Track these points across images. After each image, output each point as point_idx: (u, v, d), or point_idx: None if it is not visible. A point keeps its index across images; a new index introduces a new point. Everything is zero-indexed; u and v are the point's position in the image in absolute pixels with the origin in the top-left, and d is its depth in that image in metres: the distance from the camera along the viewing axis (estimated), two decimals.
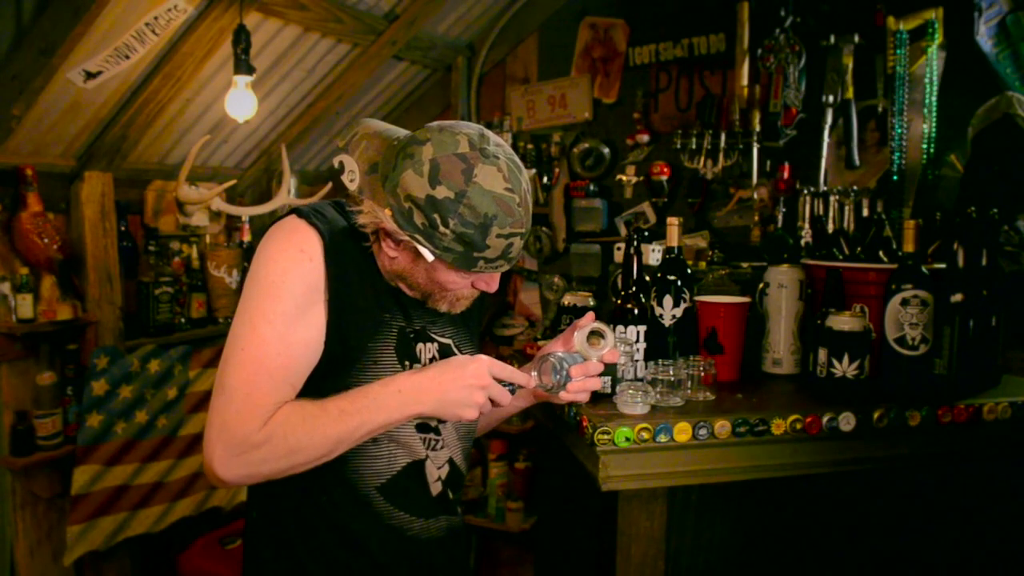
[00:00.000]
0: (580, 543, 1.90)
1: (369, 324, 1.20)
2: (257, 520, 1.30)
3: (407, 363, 1.23)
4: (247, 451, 1.07)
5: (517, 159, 1.15)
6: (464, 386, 1.16)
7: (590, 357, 1.30)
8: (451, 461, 1.31)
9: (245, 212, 3.21)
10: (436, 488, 1.28)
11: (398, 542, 1.25)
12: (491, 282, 1.22)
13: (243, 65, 2.45)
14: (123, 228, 2.81)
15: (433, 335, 1.29)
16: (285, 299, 1.12)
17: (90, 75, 2.33)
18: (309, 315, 1.14)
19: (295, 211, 1.19)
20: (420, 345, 1.26)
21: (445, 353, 1.28)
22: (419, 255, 1.14)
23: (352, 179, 1.17)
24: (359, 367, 1.18)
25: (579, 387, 1.27)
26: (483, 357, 1.19)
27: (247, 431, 1.07)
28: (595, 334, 1.32)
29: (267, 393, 1.10)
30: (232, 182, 3.09)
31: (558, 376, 1.26)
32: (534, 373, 1.28)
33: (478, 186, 1.08)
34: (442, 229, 1.09)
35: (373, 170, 1.16)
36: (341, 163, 1.18)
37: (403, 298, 1.25)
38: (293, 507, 1.24)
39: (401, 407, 1.14)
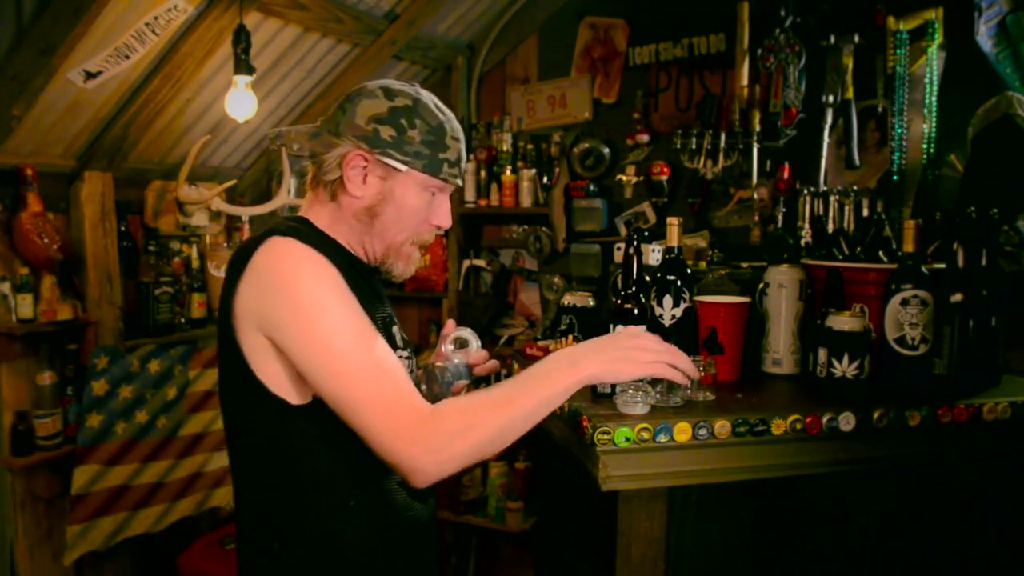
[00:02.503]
0: (580, 543, 1.90)
1: (375, 322, 1.23)
2: (250, 530, 1.27)
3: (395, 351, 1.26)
4: (425, 422, 1.07)
5: None
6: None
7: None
8: None
9: (245, 212, 3.20)
10: None
11: (412, 531, 1.28)
12: (444, 214, 1.29)
13: (243, 65, 2.45)
14: (123, 228, 2.81)
15: (394, 317, 1.35)
16: (333, 309, 1.13)
17: (90, 75, 2.32)
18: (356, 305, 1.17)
19: (273, 231, 1.17)
20: (394, 328, 1.32)
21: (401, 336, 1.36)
22: (388, 177, 1.22)
23: (300, 149, 1.26)
24: None
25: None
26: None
27: (414, 404, 1.09)
28: (460, 341, 1.35)
29: (402, 380, 1.12)
30: (232, 182, 3.08)
31: (441, 386, 1.28)
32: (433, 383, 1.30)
33: (422, 98, 1.25)
34: (410, 132, 1.21)
35: (315, 135, 1.24)
36: (282, 146, 1.27)
37: (377, 286, 1.31)
38: (310, 520, 1.20)
39: (567, 374, 1.14)
